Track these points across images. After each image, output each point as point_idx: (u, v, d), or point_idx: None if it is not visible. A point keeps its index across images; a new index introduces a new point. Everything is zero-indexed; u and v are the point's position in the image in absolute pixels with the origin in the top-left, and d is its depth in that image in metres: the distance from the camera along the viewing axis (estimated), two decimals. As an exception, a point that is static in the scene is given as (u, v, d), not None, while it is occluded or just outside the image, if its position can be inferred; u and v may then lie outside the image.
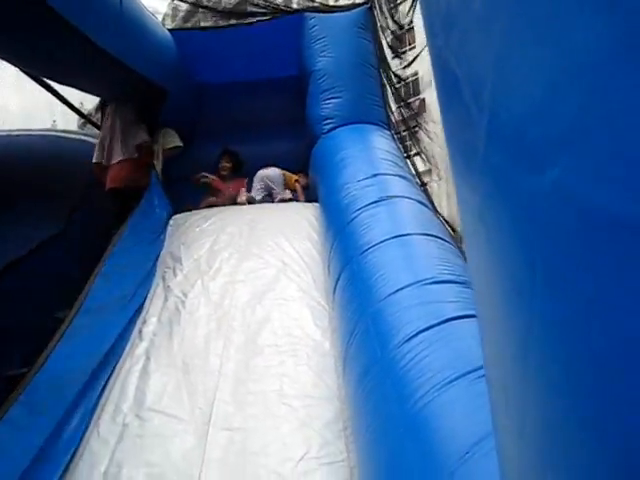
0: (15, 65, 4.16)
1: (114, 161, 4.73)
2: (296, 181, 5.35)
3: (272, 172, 5.37)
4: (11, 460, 2.20)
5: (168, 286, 3.63)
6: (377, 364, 2.10)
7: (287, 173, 5.42)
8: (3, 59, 3.88)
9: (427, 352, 1.92)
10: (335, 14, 5.15)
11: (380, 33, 5.16)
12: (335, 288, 3.09)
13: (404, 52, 6.28)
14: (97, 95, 5.41)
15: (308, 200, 4.95)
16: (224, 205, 5.01)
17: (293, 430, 2.41)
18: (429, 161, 5.50)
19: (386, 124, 4.93)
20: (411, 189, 3.64)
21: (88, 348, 2.90)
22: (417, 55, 6.06)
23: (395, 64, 5.59)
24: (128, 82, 4.53)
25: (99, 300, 3.22)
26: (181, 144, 5.23)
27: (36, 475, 2.23)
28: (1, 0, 2.96)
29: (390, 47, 5.40)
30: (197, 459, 2.32)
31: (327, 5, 5.35)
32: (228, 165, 5.46)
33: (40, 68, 4.32)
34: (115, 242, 3.76)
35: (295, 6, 5.48)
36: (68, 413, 2.58)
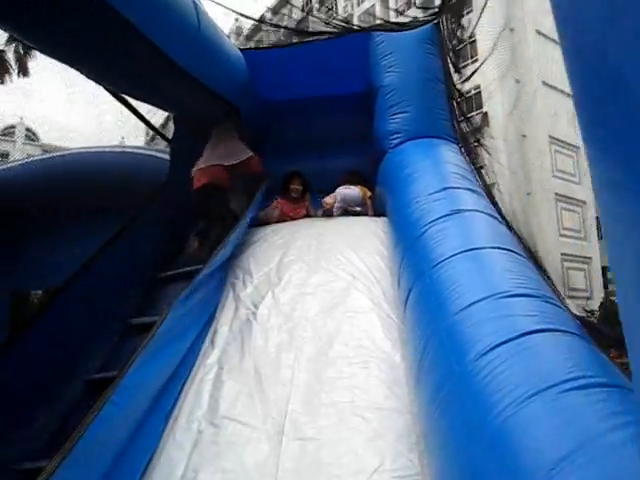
0: (96, 81, 4.36)
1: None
2: (370, 197, 5.32)
3: (353, 192, 5.32)
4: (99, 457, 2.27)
5: (238, 296, 3.71)
6: (453, 377, 2.08)
7: (363, 188, 5.38)
8: (84, 74, 4.08)
9: (505, 366, 1.89)
10: (403, 32, 5.18)
11: (446, 48, 5.17)
12: (406, 302, 3.08)
13: (465, 66, 6.26)
14: (170, 111, 5.61)
15: (376, 214, 4.96)
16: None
17: (366, 442, 2.41)
18: (488, 175, 5.43)
19: (454, 138, 4.90)
20: (482, 202, 3.61)
21: (168, 353, 2.99)
22: (477, 68, 6.02)
23: (455, 78, 5.57)
24: (201, 99, 4.67)
25: (183, 307, 3.30)
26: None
27: (117, 475, 2.31)
28: (86, 18, 3.13)
29: (451, 62, 5.40)
30: (271, 468, 2.35)
31: (395, 23, 5.40)
32: (299, 188, 5.50)
33: (119, 84, 4.52)
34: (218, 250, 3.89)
35: (357, 22, 5.54)
36: (145, 417, 2.66)
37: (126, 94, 4.95)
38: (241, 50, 5.38)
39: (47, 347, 3.44)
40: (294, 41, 5.72)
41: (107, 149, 6.10)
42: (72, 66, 3.84)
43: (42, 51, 3.81)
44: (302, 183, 5.52)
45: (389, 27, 5.37)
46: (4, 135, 31.28)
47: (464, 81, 5.92)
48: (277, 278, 3.81)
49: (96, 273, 3.99)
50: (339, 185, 5.40)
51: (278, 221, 5.15)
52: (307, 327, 3.30)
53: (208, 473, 2.40)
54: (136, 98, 5.03)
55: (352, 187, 5.35)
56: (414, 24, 5.38)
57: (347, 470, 2.29)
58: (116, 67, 3.90)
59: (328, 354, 3.03)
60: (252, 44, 5.86)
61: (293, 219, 5.21)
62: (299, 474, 2.31)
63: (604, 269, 29.34)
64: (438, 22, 5.18)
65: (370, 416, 2.55)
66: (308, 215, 5.39)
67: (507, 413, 1.68)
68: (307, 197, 5.54)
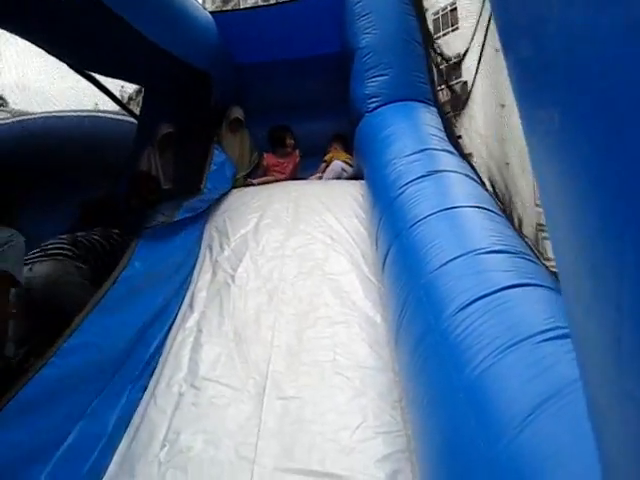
0: (55, 56, 4.25)
1: None
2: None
3: (348, 169, 5.42)
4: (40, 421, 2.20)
5: (216, 260, 3.70)
6: (432, 333, 2.10)
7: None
8: (48, 52, 3.97)
9: (483, 319, 1.91)
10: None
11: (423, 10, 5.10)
12: (384, 262, 3.09)
13: (446, 34, 6.20)
14: (138, 84, 5.51)
15: (354, 178, 4.94)
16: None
17: (348, 400, 2.43)
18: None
19: (432, 101, 4.87)
20: (459, 163, 3.60)
21: (127, 318, 2.91)
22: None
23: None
24: (169, 68, 4.57)
25: (140, 269, 3.21)
26: (241, 117, 5.51)
27: (84, 441, 2.30)
28: None
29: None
30: (253, 427, 2.37)
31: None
32: (292, 142, 5.58)
33: (78, 57, 4.40)
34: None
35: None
36: (119, 382, 2.64)
37: (86, 68, 4.82)
38: (212, 14, 5.28)
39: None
40: (267, 2, 5.64)
41: (77, 113, 5.93)
42: (25, 37, 3.72)
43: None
44: (293, 137, 5.60)
45: None
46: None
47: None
48: (255, 241, 3.80)
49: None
50: (328, 151, 5.61)
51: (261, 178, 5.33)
52: (286, 289, 3.30)
53: (189, 434, 2.40)
54: (99, 73, 4.93)
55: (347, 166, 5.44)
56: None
57: (330, 427, 2.31)
58: (73, 38, 3.78)
59: (308, 315, 3.05)
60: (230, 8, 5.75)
61: (281, 173, 5.37)
62: (282, 432, 2.33)
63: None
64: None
65: (352, 374, 2.58)
66: (295, 170, 5.54)
67: (485, 365, 1.70)
68: (297, 153, 5.62)
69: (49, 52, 4.12)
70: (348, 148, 5.44)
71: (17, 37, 3.81)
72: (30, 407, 2.11)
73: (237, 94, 5.98)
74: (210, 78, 4.99)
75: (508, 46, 0.80)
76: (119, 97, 6.15)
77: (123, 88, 6.47)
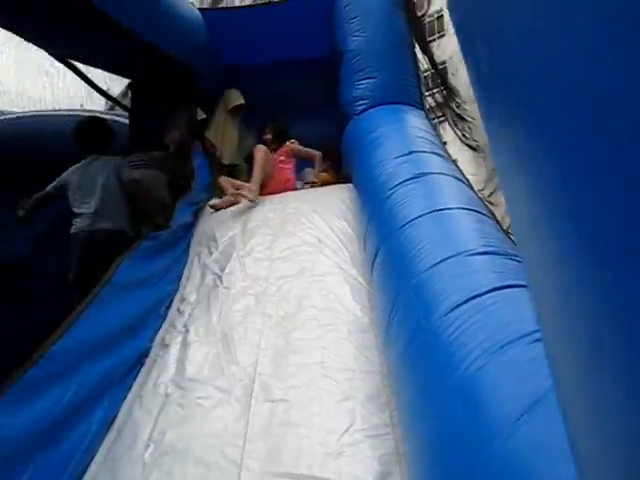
0: (41, 47, 4.20)
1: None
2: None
3: None
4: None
5: (204, 263, 3.67)
6: (422, 334, 2.08)
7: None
8: (30, 41, 3.91)
9: (475, 320, 1.89)
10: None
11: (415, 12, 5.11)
12: (373, 264, 3.07)
13: (432, 40, 6.22)
14: (124, 76, 5.45)
15: (341, 181, 4.90)
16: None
17: (336, 402, 2.39)
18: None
19: (421, 105, 4.87)
20: (448, 166, 3.60)
21: (114, 318, 2.90)
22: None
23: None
24: (157, 62, 4.54)
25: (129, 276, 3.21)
26: (243, 102, 5.50)
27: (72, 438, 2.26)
28: None
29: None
30: (240, 430, 2.33)
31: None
32: (269, 137, 5.41)
33: (65, 49, 4.35)
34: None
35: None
36: (95, 383, 2.57)
37: (74, 60, 4.77)
38: (200, 10, 5.25)
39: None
40: (256, 3, 5.63)
41: (63, 112, 5.86)
42: (7, 28, 3.67)
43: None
44: (271, 130, 5.44)
45: None
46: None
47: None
48: (242, 243, 3.77)
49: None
50: (321, 170, 5.44)
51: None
52: (274, 291, 3.27)
53: (175, 435, 2.36)
54: (85, 63, 4.87)
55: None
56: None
57: (317, 430, 2.27)
58: (60, 28, 3.74)
59: (296, 317, 3.01)
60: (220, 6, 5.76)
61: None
62: (269, 435, 2.29)
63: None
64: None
65: (340, 377, 2.54)
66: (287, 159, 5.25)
67: (477, 365, 1.68)
68: (287, 144, 5.35)
69: (32, 42, 4.05)
70: (339, 164, 5.35)
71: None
72: (13, 405, 2.07)
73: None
74: (194, 74, 4.97)
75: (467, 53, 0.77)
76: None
77: (109, 90, 6.41)
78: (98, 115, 5.05)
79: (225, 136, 5.36)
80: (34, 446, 2.10)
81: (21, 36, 3.84)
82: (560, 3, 0.45)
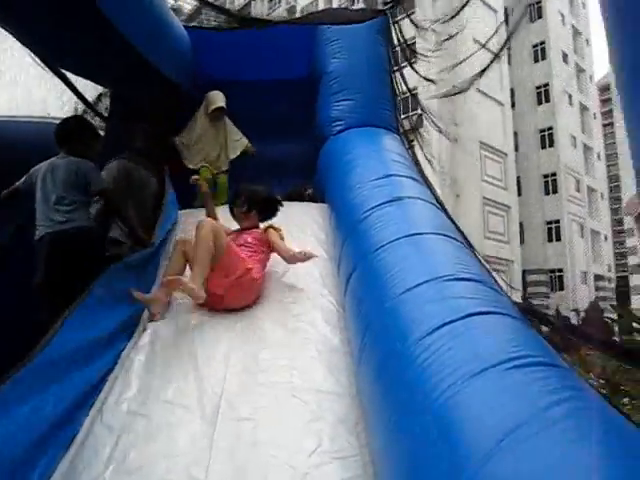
0: (31, 49, 4.15)
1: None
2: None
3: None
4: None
5: (172, 279, 3.59)
6: (397, 357, 2.06)
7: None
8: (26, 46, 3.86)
9: (450, 345, 1.88)
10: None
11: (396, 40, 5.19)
12: (347, 285, 3.06)
13: (405, 66, 6.31)
14: (109, 86, 5.40)
15: (315, 201, 4.87)
16: None
17: (304, 423, 2.35)
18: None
19: (396, 129, 4.92)
20: (423, 190, 3.64)
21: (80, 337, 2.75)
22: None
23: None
24: (142, 75, 4.51)
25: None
26: (223, 104, 5.21)
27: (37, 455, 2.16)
28: None
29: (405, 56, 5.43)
30: (205, 447, 2.25)
31: (346, 10, 5.39)
32: (244, 208, 3.85)
33: (57, 54, 4.31)
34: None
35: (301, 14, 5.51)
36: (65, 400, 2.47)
37: (64, 67, 4.71)
38: (186, 28, 5.25)
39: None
40: (240, 25, 5.62)
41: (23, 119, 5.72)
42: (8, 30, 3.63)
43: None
44: (251, 200, 3.85)
45: (338, 21, 5.29)
46: None
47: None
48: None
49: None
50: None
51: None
52: (243, 310, 3.23)
53: (138, 454, 2.27)
54: (73, 72, 4.81)
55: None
56: (364, 16, 5.34)
57: (285, 451, 2.22)
58: (57, 35, 3.70)
59: (266, 337, 2.98)
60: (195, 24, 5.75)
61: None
62: (234, 454, 2.23)
63: (524, 272, 30.90)
64: (388, 14, 5.18)
65: (308, 398, 2.50)
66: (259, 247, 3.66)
67: (452, 391, 1.67)
68: (270, 229, 3.77)
69: (24, 44, 4.00)
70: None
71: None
72: None
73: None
74: (180, 90, 4.95)
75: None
76: (75, 108, 5.99)
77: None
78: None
79: (202, 139, 5.18)
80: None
81: (18, 39, 3.81)
82: None
